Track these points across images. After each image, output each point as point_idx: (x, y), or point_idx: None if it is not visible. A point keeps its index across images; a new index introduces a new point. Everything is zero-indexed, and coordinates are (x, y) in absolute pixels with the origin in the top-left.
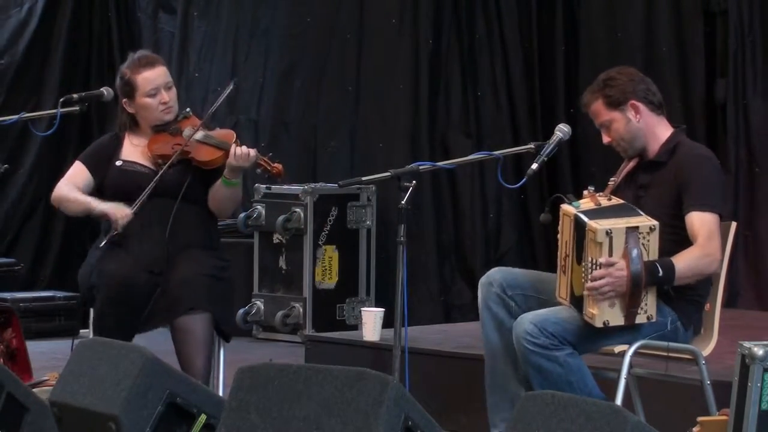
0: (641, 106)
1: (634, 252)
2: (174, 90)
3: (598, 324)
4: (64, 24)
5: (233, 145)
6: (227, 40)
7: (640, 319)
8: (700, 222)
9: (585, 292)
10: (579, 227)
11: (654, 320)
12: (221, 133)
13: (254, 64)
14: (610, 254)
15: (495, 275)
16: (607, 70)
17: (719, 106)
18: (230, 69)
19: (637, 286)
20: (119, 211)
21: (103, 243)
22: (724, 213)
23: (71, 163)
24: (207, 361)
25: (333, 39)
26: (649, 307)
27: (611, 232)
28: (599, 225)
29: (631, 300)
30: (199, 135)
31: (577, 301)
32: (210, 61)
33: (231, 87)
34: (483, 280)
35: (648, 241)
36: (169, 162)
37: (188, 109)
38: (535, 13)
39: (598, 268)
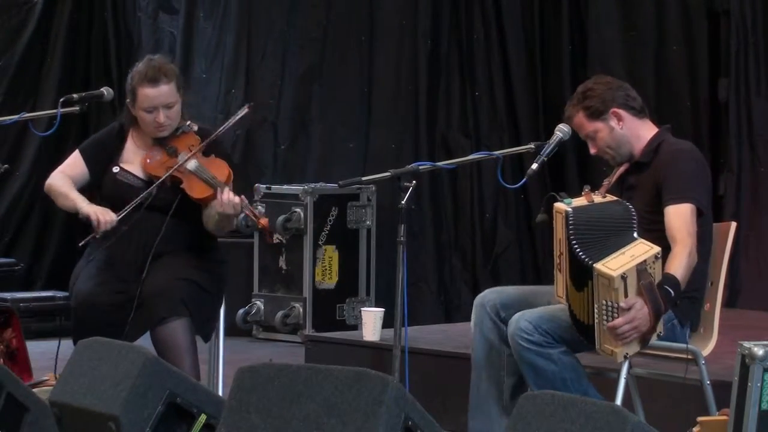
0: (623, 113)
1: (649, 287)
2: (176, 108)
3: (620, 360)
4: (62, 24)
5: (223, 190)
6: (240, 43)
7: (653, 339)
8: (676, 216)
9: (602, 328)
10: (569, 226)
11: (663, 335)
12: (216, 167)
13: (271, 66)
14: (626, 294)
15: (489, 296)
16: (584, 82)
17: (722, 105)
18: (245, 71)
19: (658, 317)
20: (103, 216)
21: (81, 243)
22: (702, 203)
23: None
24: (194, 366)
25: (350, 41)
26: (659, 326)
27: (626, 276)
28: (611, 270)
29: (650, 329)
30: (192, 165)
31: (586, 330)
32: (220, 63)
33: (245, 111)
34: (477, 300)
35: (654, 269)
36: (157, 183)
37: (189, 123)
38: (537, 13)
39: (616, 311)
